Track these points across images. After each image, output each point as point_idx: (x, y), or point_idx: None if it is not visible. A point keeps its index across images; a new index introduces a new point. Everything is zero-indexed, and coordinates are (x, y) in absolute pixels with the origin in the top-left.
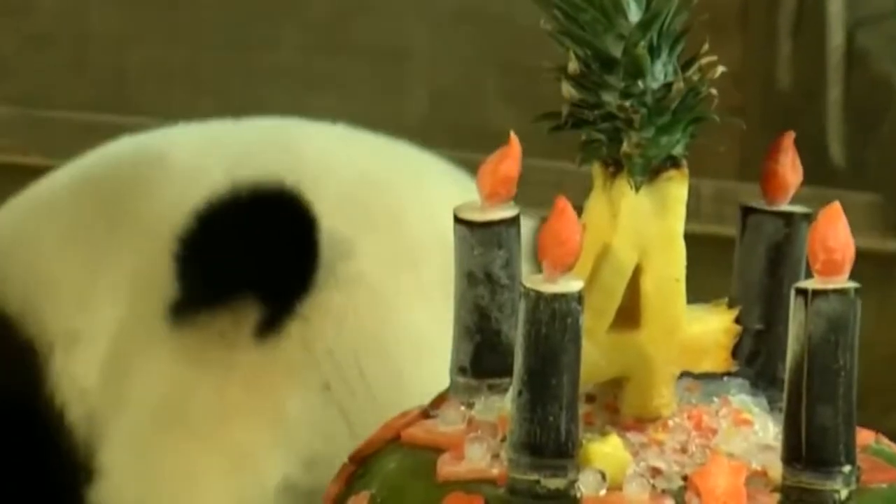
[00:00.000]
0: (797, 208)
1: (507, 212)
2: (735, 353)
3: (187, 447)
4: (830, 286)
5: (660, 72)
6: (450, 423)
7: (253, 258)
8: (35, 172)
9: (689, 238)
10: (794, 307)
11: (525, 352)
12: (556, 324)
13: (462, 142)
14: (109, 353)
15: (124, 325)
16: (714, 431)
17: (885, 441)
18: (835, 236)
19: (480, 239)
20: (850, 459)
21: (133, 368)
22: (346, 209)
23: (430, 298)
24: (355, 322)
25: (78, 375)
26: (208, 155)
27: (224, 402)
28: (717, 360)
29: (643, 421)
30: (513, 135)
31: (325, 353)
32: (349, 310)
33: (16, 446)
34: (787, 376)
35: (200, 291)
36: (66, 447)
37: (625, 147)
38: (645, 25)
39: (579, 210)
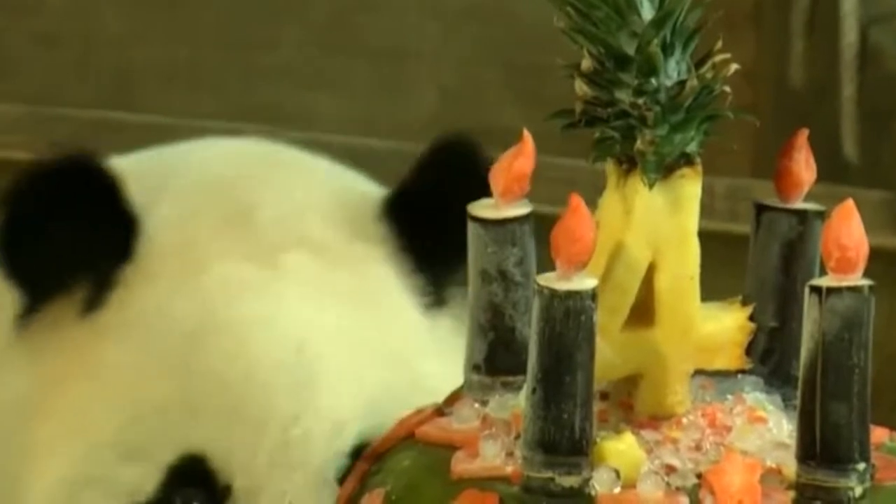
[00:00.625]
0: (811, 206)
1: (520, 209)
2: (749, 350)
3: (25, 427)
4: (844, 284)
5: (673, 69)
6: (464, 420)
7: (65, 241)
8: None
9: (703, 236)
10: (808, 305)
11: (539, 349)
12: (569, 321)
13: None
14: None
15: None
16: (728, 429)
17: None
18: (848, 234)
19: (494, 237)
20: (865, 457)
21: None
22: (181, 195)
23: (249, 255)
24: (169, 281)
25: None
26: None
27: (61, 381)
28: (731, 358)
29: (657, 418)
30: (526, 132)
31: (139, 310)
32: (165, 269)
33: None
34: (801, 374)
35: (28, 289)
36: None
37: (638, 145)
38: (658, 23)
39: (593, 207)
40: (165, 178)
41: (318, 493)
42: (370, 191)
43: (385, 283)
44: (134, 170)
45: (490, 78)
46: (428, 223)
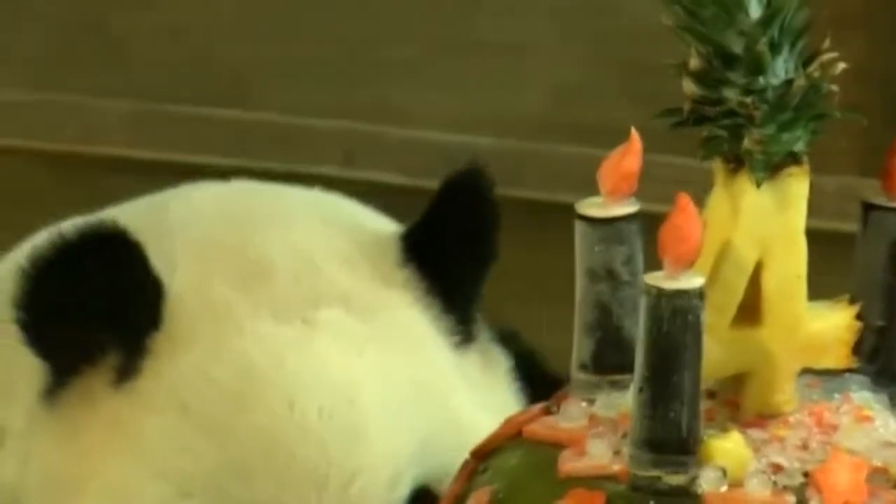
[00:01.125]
0: None
1: (628, 208)
2: (856, 349)
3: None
4: None
5: (781, 68)
6: (571, 419)
7: (91, 311)
8: (155, 167)
9: (811, 234)
10: None
11: (646, 348)
12: (677, 320)
13: (583, 138)
14: (23, 446)
15: (29, 415)
16: (835, 428)
17: None
18: None
19: (602, 235)
20: None
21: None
22: (195, 255)
23: (278, 313)
24: (204, 346)
25: (6, 472)
26: None
27: (95, 454)
28: (838, 357)
29: (764, 417)
30: (633, 131)
31: (177, 377)
32: (196, 333)
33: None
34: None
35: (54, 361)
36: None
37: (746, 144)
38: (766, 22)
39: (701, 206)
40: (172, 237)
41: None
42: (383, 229)
43: (417, 327)
44: (138, 228)
45: (606, 76)
46: (446, 261)
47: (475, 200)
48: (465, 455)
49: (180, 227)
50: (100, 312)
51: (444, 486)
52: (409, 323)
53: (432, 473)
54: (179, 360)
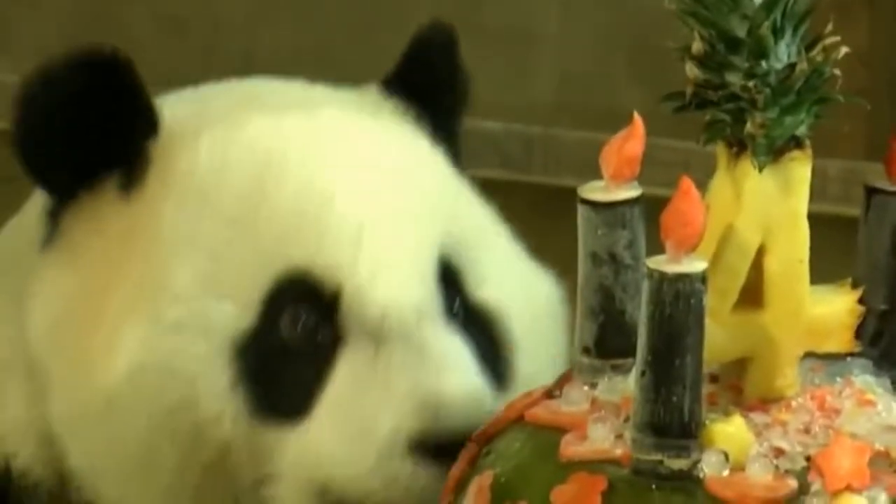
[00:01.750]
0: None
1: (630, 192)
2: (858, 333)
3: (95, 322)
4: None
5: (783, 52)
6: (573, 403)
7: (87, 130)
8: None
9: (816, 218)
10: None
11: (649, 332)
12: (679, 304)
13: (591, 123)
14: (22, 363)
15: (18, 323)
16: (837, 412)
17: None
18: None
19: (605, 219)
20: None
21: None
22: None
23: (288, 111)
24: (205, 141)
25: (12, 412)
26: None
27: (112, 265)
28: (840, 341)
29: (767, 401)
30: (636, 115)
31: (187, 171)
32: (197, 135)
33: None
34: None
35: (56, 196)
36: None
37: (748, 127)
38: (769, 6)
39: (704, 190)
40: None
41: (419, 291)
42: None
43: (417, 137)
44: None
45: (613, 61)
46: (425, 97)
47: (445, 46)
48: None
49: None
50: (96, 124)
51: (461, 261)
52: (408, 131)
53: (451, 246)
54: (185, 157)
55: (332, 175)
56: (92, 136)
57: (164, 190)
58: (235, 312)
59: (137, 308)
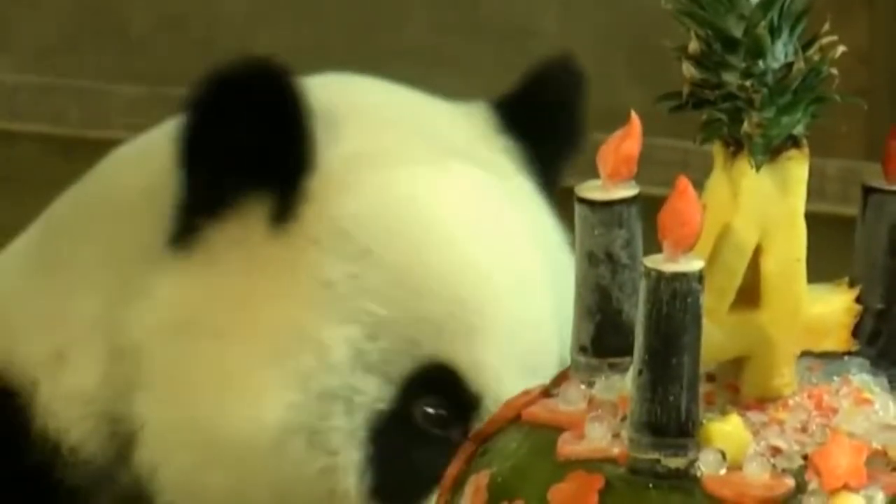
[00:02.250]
0: None
1: (627, 191)
2: (856, 332)
3: (222, 349)
4: None
5: (780, 52)
6: (570, 402)
7: (246, 150)
8: None
9: (814, 218)
10: None
11: (646, 331)
12: (676, 303)
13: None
14: (104, 341)
15: (109, 301)
16: (834, 411)
17: None
18: None
19: (601, 219)
20: None
21: (136, 328)
22: (353, 115)
23: (431, 162)
24: (366, 187)
25: (75, 387)
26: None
27: (253, 297)
28: (837, 340)
29: (764, 400)
30: (633, 114)
31: (349, 220)
32: (356, 178)
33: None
34: None
35: (202, 202)
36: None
37: (745, 127)
38: (766, 5)
39: (702, 188)
40: (330, 101)
41: None
42: (473, 106)
43: (527, 187)
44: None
45: (613, 60)
46: (538, 135)
47: (570, 80)
48: None
49: (340, 94)
50: (254, 148)
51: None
52: (521, 182)
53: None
54: (345, 205)
55: (490, 258)
56: (255, 152)
57: (322, 237)
58: (378, 390)
59: (289, 366)
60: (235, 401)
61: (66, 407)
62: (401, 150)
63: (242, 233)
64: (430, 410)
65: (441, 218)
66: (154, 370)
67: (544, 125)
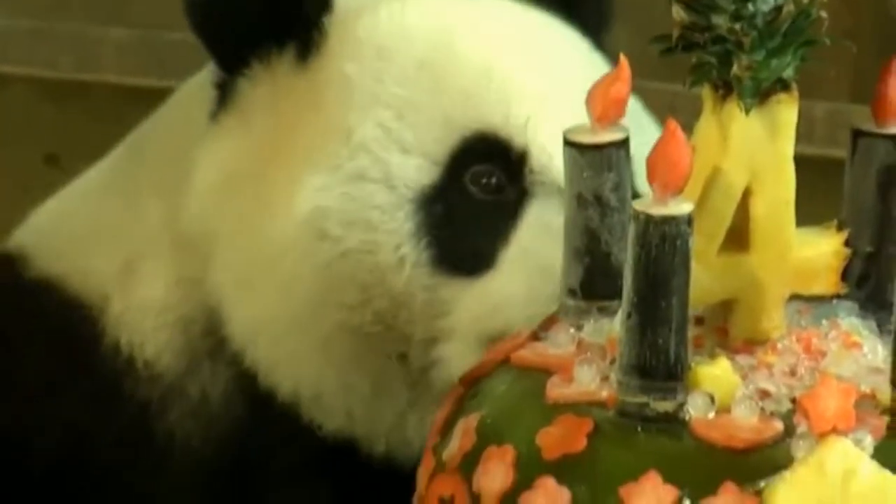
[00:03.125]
0: None
1: (616, 134)
2: (844, 275)
3: (265, 176)
4: None
5: None
6: (559, 345)
7: (258, 4)
8: (155, 94)
9: (802, 161)
10: None
11: (634, 274)
12: (665, 246)
13: None
14: (170, 241)
15: (171, 199)
16: (823, 354)
17: None
18: None
19: (590, 161)
20: None
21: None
22: None
23: None
24: (381, 12)
25: (147, 298)
26: None
27: (286, 124)
28: (826, 283)
29: (752, 344)
30: (623, 57)
31: (370, 28)
32: (375, 4)
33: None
34: None
35: (227, 65)
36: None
37: (735, 70)
38: None
39: (691, 131)
40: None
41: None
42: None
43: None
44: None
45: None
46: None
47: None
48: None
49: None
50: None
51: None
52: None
53: None
54: (364, 25)
55: (515, 48)
56: (264, 7)
57: (345, 54)
58: (419, 167)
59: (317, 157)
60: (279, 206)
61: (140, 319)
62: None
63: (271, 84)
64: (482, 179)
65: (463, 19)
66: (217, 232)
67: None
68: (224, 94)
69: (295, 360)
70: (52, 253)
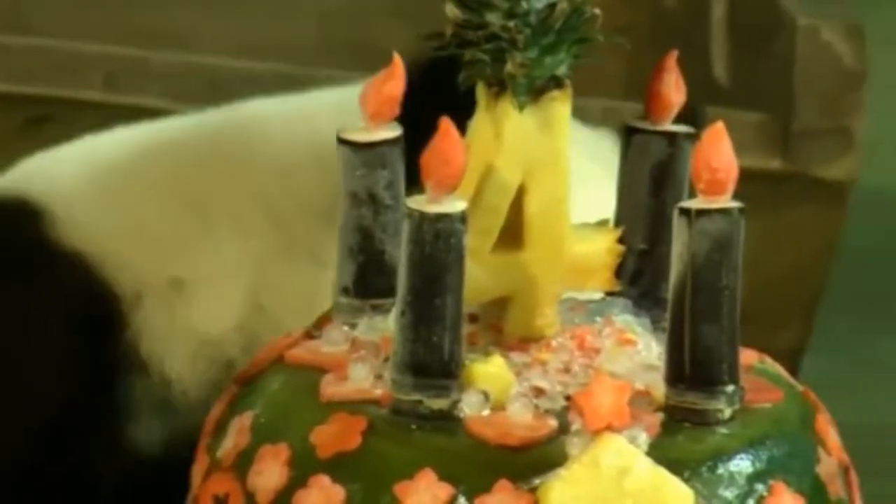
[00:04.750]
0: (681, 128)
1: (390, 132)
2: (619, 273)
3: None
4: (714, 206)
5: None
6: (333, 343)
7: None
8: None
9: None
10: (678, 227)
11: (408, 272)
12: (439, 243)
13: (351, 61)
14: (252, 284)
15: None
16: (597, 351)
17: (770, 361)
18: (718, 156)
19: (364, 160)
20: (734, 379)
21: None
22: None
23: None
24: None
25: (196, 322)
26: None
27: None
28: (601, 280)
29: (527, 341)
30: (396, 55)
31: None
32: None
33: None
34: (670, 296)
35: None
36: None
37: (508, 67)
38: None
39: (464, 130)
40: None
41: None
42: None
43: None
44: None
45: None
46: None
47: None
48: None
49: None
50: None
51: None
52: None
53: None
54: None
55: None
56: None
57: None
58: None
59: None
60: None
61: (157, 338)
62: None
63: None
64: None
65: None
66: None
67: None
68: None
69: None
70: (93, 229)
